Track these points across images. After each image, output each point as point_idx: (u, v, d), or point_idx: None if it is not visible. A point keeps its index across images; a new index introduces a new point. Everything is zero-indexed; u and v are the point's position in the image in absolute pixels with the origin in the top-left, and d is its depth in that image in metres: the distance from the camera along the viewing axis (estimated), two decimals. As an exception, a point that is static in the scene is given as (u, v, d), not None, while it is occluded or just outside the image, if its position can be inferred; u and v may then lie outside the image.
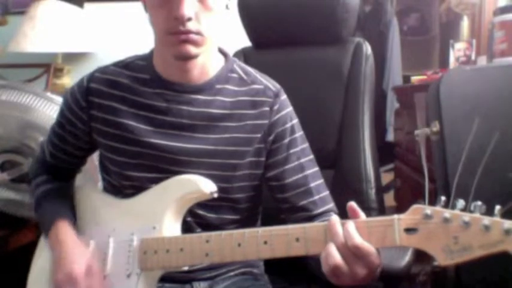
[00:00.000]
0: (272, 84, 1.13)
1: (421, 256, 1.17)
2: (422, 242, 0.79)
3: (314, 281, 1.33)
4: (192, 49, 0.98)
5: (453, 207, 0.77)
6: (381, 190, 1.39)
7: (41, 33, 2.13)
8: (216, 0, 0.98)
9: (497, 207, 0.74)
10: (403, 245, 0.81)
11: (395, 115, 3.07)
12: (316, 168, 1.13)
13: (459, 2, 2.45)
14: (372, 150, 1.37)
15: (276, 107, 1.10)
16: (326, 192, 1.13)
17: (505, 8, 1.84)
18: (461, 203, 0.77)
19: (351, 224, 0.83)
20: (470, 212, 0.76)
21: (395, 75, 3.63)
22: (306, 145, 1.14)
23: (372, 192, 1.32)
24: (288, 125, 1.11)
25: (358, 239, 0.81)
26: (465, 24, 2.52)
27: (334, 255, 0.82)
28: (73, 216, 1.13)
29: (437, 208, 0.78)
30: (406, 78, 3.28)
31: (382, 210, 1.35)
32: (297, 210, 1.10)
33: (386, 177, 2.64)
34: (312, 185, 1.11)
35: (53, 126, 1.18)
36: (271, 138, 1.09)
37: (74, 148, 1.16)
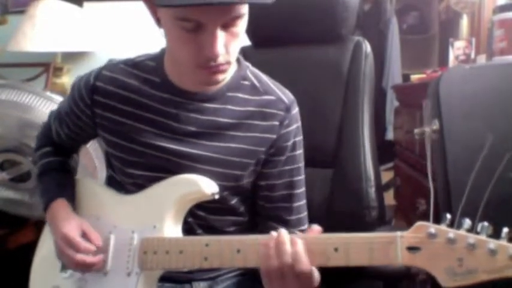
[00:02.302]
0: (285, 96, 1.10)
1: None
2: (426, 262, 0.77)
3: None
4: (220, 77, 0.97)
5: (459, 226, 0.75)
6: (380, 189, 1.39)
7: (41, 32, 2.14)
8: (241, 24, 0.93)
9: (505, 230, 0.72)
10: (405, 264, 0.79)
11: (395, 114, 3.06)
12: (303, 189, 1.13)
13: (458, 0, 2.45)
14: (371, 149, 1.37)
15: (285, 122, 1.07)
16: (304, 214, 1.13)
17: (505, 7, 1.84)
18: (467, 222, 0.75)
19: (300, 245, 0.84)
20: (477, 233, 0.74)
21: (394, 74, 3.63)
22: (302, 164, 1.13)
23: (372, 191, 1.32)
24: (291, 142, 1.09)
25: (306, 265, 0.83)
26: (464, 22, 2.52)
27: (274, 273, 0.85)
28: (72, 193, 1.15)
29: (442, 227, 0.76)
30: (406, 77, 3.28)
31: (382, 209, 1.35)
32: (271, 219, 1.10)
33: (386, 176, 2.64)
34: (295, 205, 1.11)
35: (60, 109, 1.18)
36: (272, 150, 1.08)
37: (78, 135, 1.17)
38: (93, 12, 2.39)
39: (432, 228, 0.76)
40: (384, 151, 2.43)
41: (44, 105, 1.72)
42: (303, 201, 1.13)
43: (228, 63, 0.95)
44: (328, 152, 1.40)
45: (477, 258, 0.72)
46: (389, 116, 3.52)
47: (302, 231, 1.09)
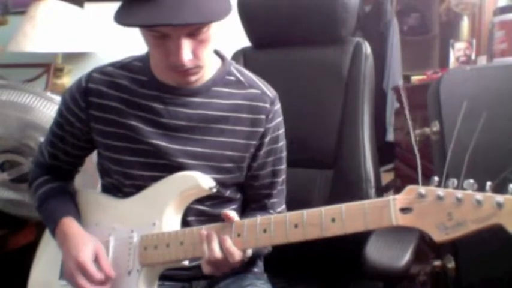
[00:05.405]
0: (269, 90, 1.14)
1: (420, 256, 1.17)
2: (418, 220, 0.81)
3: (313, 281, 1.33)
4: (192, 78, 1.01)
5: (446, 186, 0.80)
6: (380, 190, 1.39)
7: (41, 33, 2.13)
8: (209, 32, 0.95)
9: (488, 184, 0.76)
10: (399, 225, 0.83)
11: (396, 115, 3.07)
12: (284, 176, 1.19)
13: (459, 1, 2.44)
14: (371, 150, 1.37)
15: (270, 116, 1.12)
16: (279, 198, 1.19)
17: (505, 8, 1.84)
18: (453, 182, 0.79)
19: (228, 241, 0.93)
20: (463, 189, 0.78)
21: (395, 75, 3.63)
22: (284, 154, 1.18)
23: (372, 192, 1.32)
24: (274, 134, 1.13)
25: (237, 255, 0.93)
26: (465, 24, 2.51)
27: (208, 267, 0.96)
28: (77, 213, 1.13)
29: (431, 187, 0.81)
30: (406, 78, 3.28)
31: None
32: (251, 202, 1.18)
33: (386, 177, 2.64)
34: (274, 191, 1.17)
35: (52, 127, 1.18)
36: (258, 143, 1.12)
37: (74, 148, 1.16)
38: (93, 13, 2.38)
39: (422, 189, 0.81)
40: (384, 152, 2.43)
41: (44, 106, 1.72)
42: (282, 187, 1.19)
43: (198, 67, 0.98)
44: (328, 153, 1.40)
45: (465, 211, 0.77)
46: (390, 117, 3.52)
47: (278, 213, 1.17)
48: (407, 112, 1.42)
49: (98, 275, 1.00)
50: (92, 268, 1.00)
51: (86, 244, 1.03)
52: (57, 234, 1.09)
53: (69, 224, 1.08)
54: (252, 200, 1.18)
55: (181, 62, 0.93)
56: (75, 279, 1.00)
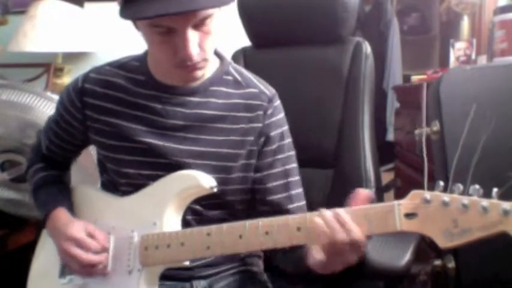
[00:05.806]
0: (267, 89, 1.13)
1: (421, 256, 1.17)
2: (422, 226, 0.80)
3: (313, 281, 1.32)
4: (199, 73, 1.01)
5: (451, 192, 0.79)
6: (381, 190, 1.39)
7: (41, 32, 2.13)
8: (212, 23, 0.95)
9: (495, 190, 0.75)
10: (404, 230, 0.82)
11: (396, 114, 3.07)
12: (299, 177, 1.15)
13: (459, 1, 2.44)
14: (371, 150, 1.37)
15: (269, 112, 1.10)
16: (303, 202, 1.15)
17: (505, 8, 1.85)
18: (459, 187, 0.78)
19: (347, 217, 0.85)
20: (469, 195, 0.77)
21: (395, 75, 3.63)
22: (293, 153, 1.15)
23: (372, 192, 1.32)
24: (279, 131, 1.11)
25: (358, 233, 0.84)
26: (465, 23, 2.51)
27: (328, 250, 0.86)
28: (69, 203, 1.14)
29: (436, 192, 0.80)
30: (406, 78, 3.28)
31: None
32: (273, 213, 1.08)
33: (387, 177, 2.64)
34: (294, 192, 1.13)
35: (49, 122, 1.19)
36: (261, 140, 1.10)
37: (69, 144, 1.18)
38: (94, 13, 2.38)
39: (427, 194, 0.80)
40: (384, 152, 2.43)
41: (44, 105, 1.72)
42: (300, 190, 1.15)
43: (205, 60, 0.98)
44: (329, 153, 1.40)
45: (471, 217, 0.75)
46: (390, 117, 3.52)
47: None
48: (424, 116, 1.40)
49: (93, 243, 1.02)
50: (84, 237, 1.02)
51: (73, 222, 1.06)
52: (48, 223, 1.11)
53: (60, 214, 1.10)
54: (275, 210, 1.10)
55: (190, 56, 0.93)
56: (71, 252, 1.01)
